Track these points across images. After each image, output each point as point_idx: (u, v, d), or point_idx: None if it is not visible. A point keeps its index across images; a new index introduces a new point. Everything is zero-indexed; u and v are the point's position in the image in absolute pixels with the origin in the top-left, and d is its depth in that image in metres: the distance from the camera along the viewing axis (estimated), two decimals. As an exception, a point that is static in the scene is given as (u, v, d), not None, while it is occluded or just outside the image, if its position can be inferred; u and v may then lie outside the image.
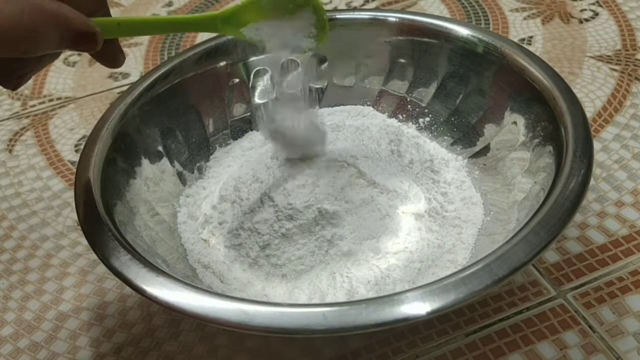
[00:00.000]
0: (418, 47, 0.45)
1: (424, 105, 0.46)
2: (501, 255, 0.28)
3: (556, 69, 0.38)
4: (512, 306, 0.36)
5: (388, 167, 0.38)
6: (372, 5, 0.67)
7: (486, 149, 0.42)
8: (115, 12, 0.74)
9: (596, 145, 0.46)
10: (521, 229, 0.29)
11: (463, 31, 0.43)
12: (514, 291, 0.37)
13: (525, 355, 0.34)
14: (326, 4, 0.68)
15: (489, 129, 0.42)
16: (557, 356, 0.33)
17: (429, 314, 0.26)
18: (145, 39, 0.67)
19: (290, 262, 0.35)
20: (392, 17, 0.46)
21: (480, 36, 0.42)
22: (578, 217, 0.41)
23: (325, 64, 0.48)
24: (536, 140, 0.37)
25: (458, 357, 0.34)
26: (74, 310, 0.40)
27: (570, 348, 0.34)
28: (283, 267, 0.35)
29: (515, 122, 0.40)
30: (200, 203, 0.41)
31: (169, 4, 0.73)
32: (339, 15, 0.47)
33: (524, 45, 0.57)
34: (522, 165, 0.38)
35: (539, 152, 0.36)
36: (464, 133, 0.43)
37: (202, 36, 0.67)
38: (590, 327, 0.35)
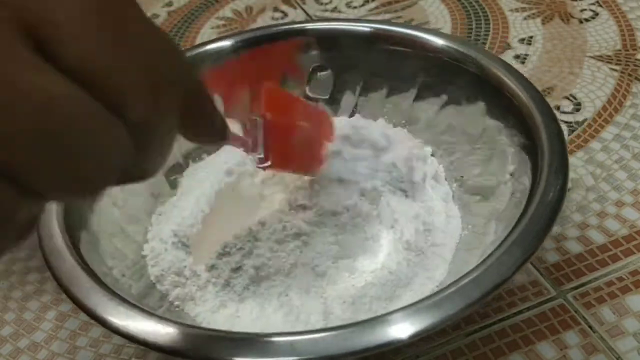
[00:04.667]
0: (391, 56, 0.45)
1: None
2: (475, 278, 0.28)
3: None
4: (512, 306, 0.36)
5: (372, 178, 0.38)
6: (372, 5, 0.67)
7: None
8: (115, 12, 0.74)
9: (596, 145, 0.46)
10: (496, 249, 0.29)
11: (439, 42, 0.43)
12: (514, 291, 0.37)
13: (525, 355, 0.34)
14: (326, 3, 0.68)
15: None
16: (557, 356, 0.33)
17: (401, 341, 0.26)
18: (145, 39, 0.67)
19: (264, 284, 0.34)
20: (368, 27, 0.45)
21: (456, 47, 0.42)
22: (578, 217, 0.41)
23: (327, 72, 0.47)
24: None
25: (458, 357, 0.34)
26: (73, 310, 0.40)
27: (570, 348, 0.34)
28: (256, 289, 0.34)
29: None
30: (172, 222, 0.39)
31: (169, 4, 0.73)
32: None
33: (524, 45, 0.57)
34: (499, 180, 0.38)
35: (517, 167, 0.36)
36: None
37: (202, 36, 0.67)
38: (590, 327, 0.35)
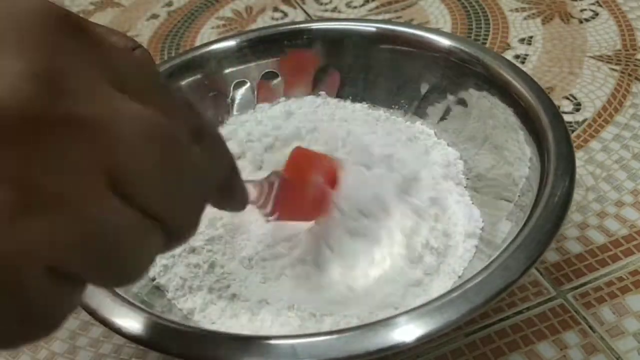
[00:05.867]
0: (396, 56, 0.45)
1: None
2: (480, 282, 0.28)
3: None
4: (512, 306, 0.36)
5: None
6: (372, 4, 0.67)
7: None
8: (115, 12, 0.74)
9: (596, 145, 0.46)
10: (501, 253, 0.29)
11: (445, 42, 0.43)
12: (514, 291, 0.37)
13: (525, 355, 0.34)
14: (326, 3, 0.68)
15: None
16: (557, 356, 0.33)
17: (404, 345, 0.26)
18: (145, 39, 0.67)
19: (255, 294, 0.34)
20: (373, 27, 0.46)
21: (462, 47, 0.42)
22: (578, 217, 0.41)
23: (334, 72, 0.47)
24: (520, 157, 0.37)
25: (458, 357, 0.34)
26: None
27: (570, 348, 0.34)
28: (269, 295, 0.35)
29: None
30: None
31: (169, 4, 0.73)
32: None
33: (524, 45, 0.57)
34: (505, 182, 0.38)
35: (523, 169, 0.36)
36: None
37: (202, 36, 0.67)
38: (590, 327, 0.35)
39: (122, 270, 0.18)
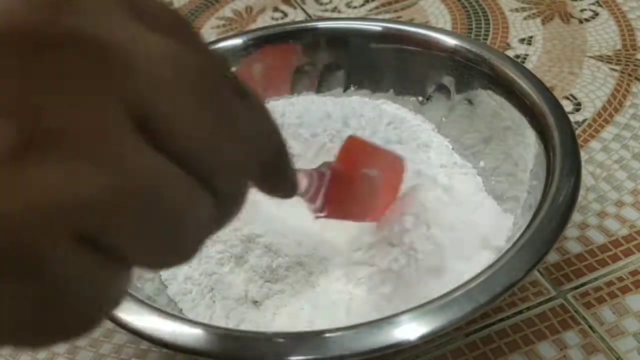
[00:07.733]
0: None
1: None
2: (484, 281, 0.28)
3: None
4: (512, 306, 0.36)
5: None
6: (372, 4, 0.67)
7: None
8: (115, 12, 0.74)
9: (596, 145, 0.46)
10: (506, 252, 0.29)
11: (451, 41, 0.43)
12: (514, 291, 0.37)
13: (525, 355, 0.34)
14: (326, 3, 0.68)
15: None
16: (557, 356, 0.33)
17: (407, 343, 0.26)
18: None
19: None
20: (379, 26, 0.46)
21: (468, 47, 0.42)
22: (578, 217, 0.41)
23: (340, 71, 0.47)
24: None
25: (458, 357, 0.34)
26: (74, 310, 0.40)
27: (570, 348, 0.34)
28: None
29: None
30: None
31: (169, 4, 0.73)
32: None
33: (524, 45, 0.57)
34: (510, 182, 0.38)
35: (530, 168, 0.36)
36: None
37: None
38: (590, 327, 0.35)
39: (171, 240, 0.15)
